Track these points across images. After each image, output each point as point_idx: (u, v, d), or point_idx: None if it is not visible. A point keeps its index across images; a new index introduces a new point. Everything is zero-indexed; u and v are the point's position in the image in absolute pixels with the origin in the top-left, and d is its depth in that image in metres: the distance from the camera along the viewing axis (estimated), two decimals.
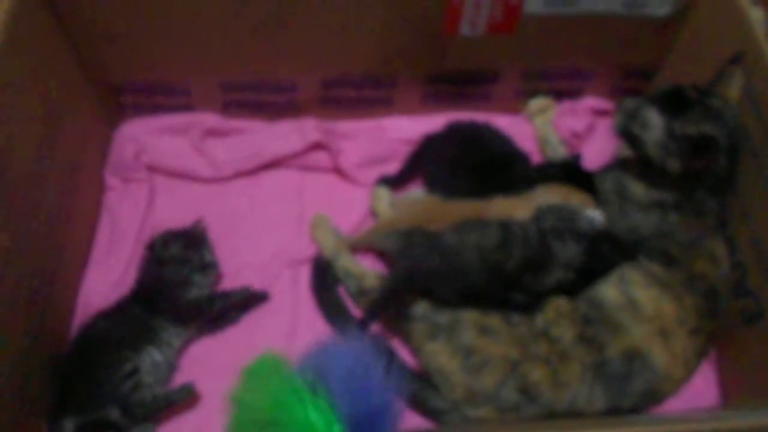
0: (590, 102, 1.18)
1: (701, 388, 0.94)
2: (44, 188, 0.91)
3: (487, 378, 0.87)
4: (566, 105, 1.18)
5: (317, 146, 1.11)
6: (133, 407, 0.85)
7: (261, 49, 1.02)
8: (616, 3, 0.99)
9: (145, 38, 1.00)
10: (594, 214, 0.94)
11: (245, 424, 0.82)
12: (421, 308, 0.91)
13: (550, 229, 0.92)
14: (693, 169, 0.91)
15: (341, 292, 1.01)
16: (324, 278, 1.01)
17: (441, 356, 0.89)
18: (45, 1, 0.91)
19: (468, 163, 1.05)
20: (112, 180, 1.10)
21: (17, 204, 0.84)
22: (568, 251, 0.91)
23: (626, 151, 0.99)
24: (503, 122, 1.15)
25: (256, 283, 1.00)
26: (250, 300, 0.99)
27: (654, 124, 0.92)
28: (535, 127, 1.17)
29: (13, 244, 0.82)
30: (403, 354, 0.95)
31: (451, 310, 0.91)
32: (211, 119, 1.14)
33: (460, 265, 0.90)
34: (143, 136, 1.13)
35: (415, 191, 1.09)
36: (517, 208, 0.97)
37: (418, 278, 0.91)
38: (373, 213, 1.08)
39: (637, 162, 0.96)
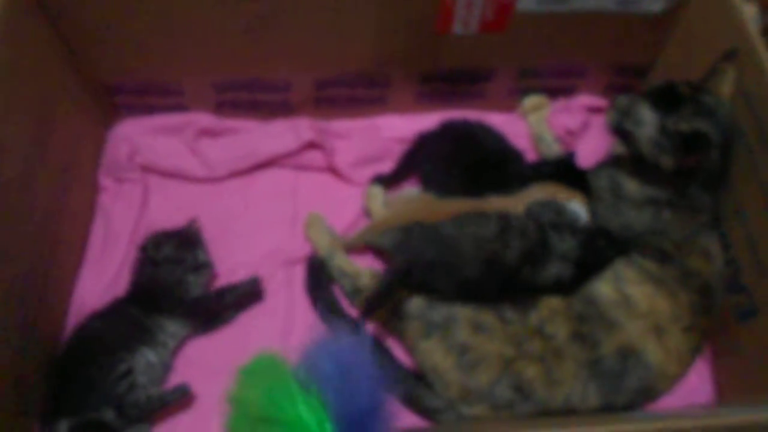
0: (584, 99, 1.18)
1: (696, 385, 0.94)
2: (37, 189, 0.90)
3: (481, 376, 0.87)
4: (560, 103, 1.18)
5: (311, 145, 1.11)
6: (128, 408, 0.85)
7: (254, 48, 1.02)
8: (609, 0, 0.99)
9: (139, 38, 0.99)
10: (578, 208, 0.94)
11: (240, 421, 0.82)
12: (415, 306, 0.91)
13: (548, 222, 0.92)
14: (686, 166, 0.91)
15: (336, 291, 1.01)
16: (318, 277, 1.01)
17: (435, 354, 0.89)
18: (38, 2, 0.91)
19: (462, 162, 1.05)
20: (105, 180, 1.10)
21: (10, 204, 0.84)
22: (565, 244, 0.92)
23: (620, 148, 0.99)
24: (498, 120, 1.15)
25: None
26: (244, 300, 0.99)
27: (647, 120, 0.92)
28: (530, 125, 1.17)
29: (7, 244, 0.82)
30: (398, 353, 0.95)
31: (445, 308, 0.90)
32: (204, 119, 1.13)
33: (459, 256, 0.90)
34: (137, 137, 1.12)
35: (410, 189, 1.09)
36: (512, 206, 0.97)
37: (417, 270, 0.90)
38: (366, 212, 1.08)
39: (630, 159, 0.96)
